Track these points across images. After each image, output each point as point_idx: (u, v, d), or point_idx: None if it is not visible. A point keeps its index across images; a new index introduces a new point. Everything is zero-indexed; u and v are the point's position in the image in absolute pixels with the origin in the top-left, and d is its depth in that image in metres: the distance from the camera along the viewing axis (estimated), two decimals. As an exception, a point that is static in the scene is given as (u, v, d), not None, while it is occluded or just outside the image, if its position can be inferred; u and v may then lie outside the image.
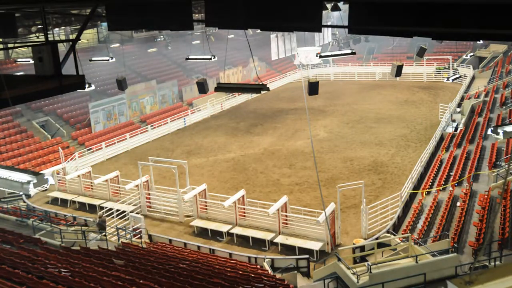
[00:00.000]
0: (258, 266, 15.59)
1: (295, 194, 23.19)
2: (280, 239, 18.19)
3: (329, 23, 42.85)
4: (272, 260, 16.44)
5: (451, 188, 20.34)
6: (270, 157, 29.57)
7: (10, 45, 23.57)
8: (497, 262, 12.95)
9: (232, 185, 25.09)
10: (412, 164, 25.47)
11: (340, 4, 26.88)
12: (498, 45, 50.26)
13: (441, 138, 29.12)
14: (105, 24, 34.52)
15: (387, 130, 33.45)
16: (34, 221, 18.45)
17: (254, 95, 46.85)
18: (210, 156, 30.64)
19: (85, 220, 20.19)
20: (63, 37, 34.81)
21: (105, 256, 14.90)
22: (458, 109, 34.62)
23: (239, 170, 27.58)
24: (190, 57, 32.38)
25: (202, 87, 23.59)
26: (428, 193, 20.89)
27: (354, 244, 16.91)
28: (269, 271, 15.10)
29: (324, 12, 21.27)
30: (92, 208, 22.91)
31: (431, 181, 21.96)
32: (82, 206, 23.55)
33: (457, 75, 41.27)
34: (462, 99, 38.29)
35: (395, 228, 18.15)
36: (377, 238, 16.92)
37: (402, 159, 27.26)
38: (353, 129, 34.33)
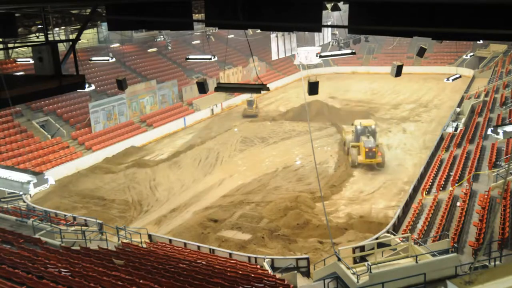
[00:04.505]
0: (258, 266, 15.59)
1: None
2: None
3: (329, 23, 42.78)
4: (272, 260, 16.43)
5: (451, 188, 20.32)
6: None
7: (10, 45, 23.57)
8: (497, 262, 12.93)
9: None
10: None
11: (340, 4, 26.82)
12: (498, 45, 50.25)
13: (441, 138, 29.09)
14: (105, 24, 34.52)
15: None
16: (34, 221, 18.42)
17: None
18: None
19: (85, 220, 20.19)
20: (63, 37, 34.78)
21: (105, 256, 14.89)
22: (458, 109, 34.59)
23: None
24: (190, 57, 32.40)
25: (202, 87, 23.52)
26: (428, 192, 20.89)
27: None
28: (269, 271, 15.09)
29: (324, 12, 21.21)
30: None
31: (431, 181, 21.94)
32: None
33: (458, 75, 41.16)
34: (462, 99, 38.26)
35: (395, 228, 18.13)
36: (377, 238, 16.91)
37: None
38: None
